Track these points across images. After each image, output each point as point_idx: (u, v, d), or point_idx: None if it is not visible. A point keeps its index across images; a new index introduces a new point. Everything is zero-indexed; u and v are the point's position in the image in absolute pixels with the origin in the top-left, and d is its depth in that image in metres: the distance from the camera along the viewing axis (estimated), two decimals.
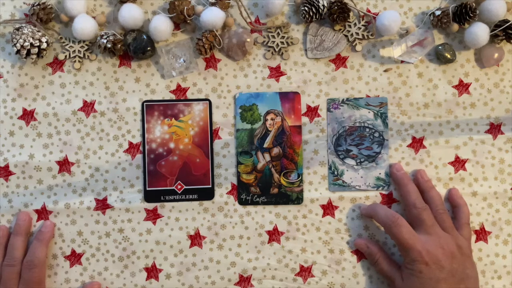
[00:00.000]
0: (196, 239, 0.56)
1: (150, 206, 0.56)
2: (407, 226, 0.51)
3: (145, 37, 0.54)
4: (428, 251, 0.50)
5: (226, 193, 0.56)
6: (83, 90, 0.55)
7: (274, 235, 0.56)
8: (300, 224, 0.56)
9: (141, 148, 0.56)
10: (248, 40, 0.55)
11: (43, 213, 0.55)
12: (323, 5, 0.54)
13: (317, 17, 0.54)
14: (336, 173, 0.56)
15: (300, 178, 0.56)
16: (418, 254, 0.50)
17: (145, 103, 0.55)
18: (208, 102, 0.56)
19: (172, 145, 0.55)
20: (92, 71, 0.56)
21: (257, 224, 0.56)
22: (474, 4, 0.54)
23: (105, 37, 0.53)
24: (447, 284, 0.49)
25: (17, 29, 0.53)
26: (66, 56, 0.55)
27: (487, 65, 0.56)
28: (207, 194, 0.56)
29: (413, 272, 0.50)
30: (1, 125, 0.55)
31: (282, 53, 0.56)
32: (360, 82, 0.56)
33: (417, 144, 0.56)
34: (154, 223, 0.55)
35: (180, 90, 0.56)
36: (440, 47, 0.56)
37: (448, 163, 0.56)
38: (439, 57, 0.56)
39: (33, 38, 0.52)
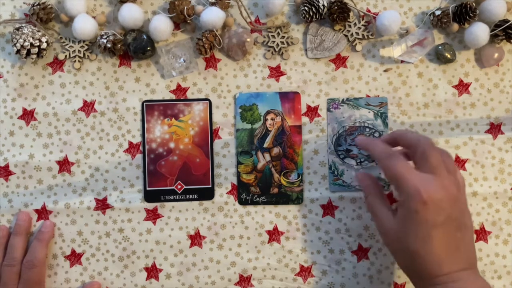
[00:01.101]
0: (196, 239, 0.56)
1: (150, 206, 0.56)
2: (404, 161, 0.46)
3: (145, 37, 0.54)
4: (427, 189, 0.43)
5: (226, 193, 0.56)
6: (83, 90, 0.55)
7: (274, 235, 0.56)
8: (300, 224, 0.56)
9: (141, 148, 0.56)
10: (248, 40, 0.55)
11: (43, 213, 0.55)
12: (323, 5, 0.54)
13: (317, 17, 0.54)
14: (336, 173, 0.56)
15: (300, 178, 0.56)
16: (416, 190, 0.43)
17: (145, 103, 0.56)
18: (208, 102, 0.56)
19: (172, 145, 0.56)
20: (92, 71, 0.56)
21: (257, 224, 0.56)
22: (474, 4, 0.54)
23: (105, 37, 0.53)
24: (444, 231, 0.44)
25: (17, 29, 0.53)
26: (66, 56, 0.55)
27: (487, 65, 0.56)
28: (207, 194, 0.56)
29: (407, 211, 0.44)
30: (1, 125, 0.55)
31: (282, 53, 0.56)
32: (360, 82, 0.56)
33: None
34: (154, 223, 0.55)
35: (180, 90, 0.56)
36: (440, 47, 0.56)
37: None
38: (439, 57, 0.56)
39: (33, 38, 0.52)
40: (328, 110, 0.56)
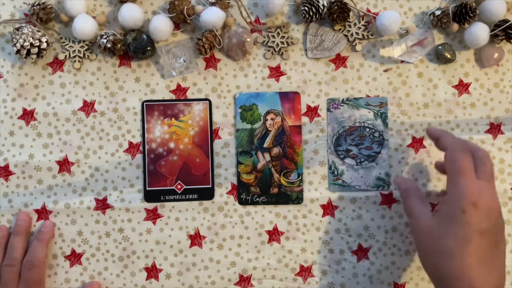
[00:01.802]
0: (196, 239, 0.56)
1: (150, 206, 0.56)
2: (471, 160, 0.45)
3: (145, 37, 0.54)
4: (481, 193, 0.42)
5: (226, 193, 0.56)
6: (83, 90, 0.55)
7: (274, 235, 0.56)
8: (300, 224, 0.56)
9: (141, 148, 0.56)
10: (248, 40, 0.55)
11: (43, 213, 0.55)
12: (323, 5, 0.54)
13: (317, 17, 0.54)
14: (336, 173, 0.56)
15: (300, 178, 0.56)
16: (470, 190, 0.42)
17: (145, 103, 0.56)
18: (208, 102, 0.56)
19: (172, 145, 0.56)
20: (92, 71, 0.56)
21: (257, 224, 0.56)
22: (474, 4, 0.54)
23: (105, 37, 0.53)
24: (483, 240, 0.42)
25: (17, 29, 0.53)
26: (66, 56, 0.55)
27: (487, 65, 0.56)
28: (207, 194, 0.56)
29: (453, 209, 0.43)
30: (1, 125, 0.55)
31: (282, 53, 0.56)
32: (360, 82, 0.56)
33: (417, 144, 0.56)
34: (154, 223, 0.55)
35: (180, 90, 0.56)
36: (440, 47, 0.56)
37: None
38: (439, 57, 0.56)
39: (33, 38, 0.52)
40: (328, 110, 0.56)
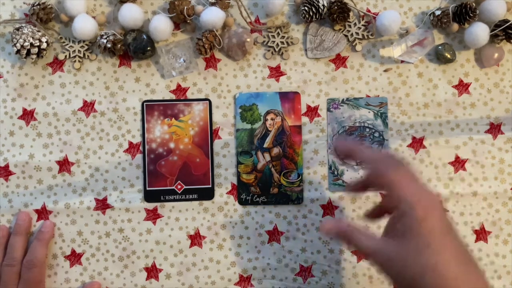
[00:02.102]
0: (196, 239, 0.56)
1: (150, 206, 0.56)
2: (396, 169, 0.41)
3: (145, 37, 0.54)
4: (428, 197, 0.40)
5: (226, 193, 0.56)
6: (83, 90, 0.55)
7: (274, 235, 0.56)
8: (300, 224, 0.56)
9: (141, 148, 0.56)
10: (248, 40, 0.55)
11: (43, 213, 0.55)
12: (323, 5, 0.54)
13: (317, 17, 0.54)
14: (336, 173, 0.56)
15: (300, 178, 0.56)
16: (415, 198, 0.39)
17: (145, 103, 0.56)
18: (208, 102, 0.56)
19: (172, 145, 0.56)
20: (92, 71, 0.56)
21: (257, 224, 0.56)
22: (474, 4, 0.54)
23: (105, 37, 0.53)
24: (452, 240, 0.39)
25: (17, 29, 0.53)
26: (66, 56, 0.55)
27: (487, 65, 0.56)
28: (207, 194, 0.56)
29: (411, 223, 0.39)
30: (1, 125, 0.55)
31: (282, 53, 0.56)
32: (360, 82, 0.56)
33: (417, 144, 0.56)
34: (154, 223, 0.55)
35: (180, 90, 0.56)
36: (440, 47, 0.56)
37: (448, 163, 0.56)
38: (439, 57, 0.56)
39: (33, 38, 0.52)
40: (328, 110, 0.56)
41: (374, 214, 0.48)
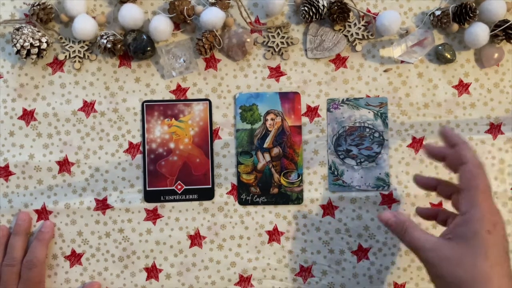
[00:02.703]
0: (196, 239, 0.56)
1: (150, 206, 0.56)
2: (487, 178, 0.43)
3: (145, 37, 0.54)
4: (497, 213, 0.41)
5: (226, 193, 0.56)
6: (83, 90, 0.55)
7: (274, 235, 0.56)
8: (300, 224, 0.56)
9: (141, 148, 0.56)
10: (248, 40, 0.55)
11: (43, 213, 0.55)
12: (323, 5, 0.54)
13: (317, 17, 0.54)
14: (336, 173, 0.56)
15: (300, 178, 0.56)
16: (490, 210, 0.41)
17: (145, 103, 0.56)
18: (208, 102, 0.56)
19: (172, 145, 0.56)
20: (92, 71, 0.56)
21: (257, 224, 0.56)
22: (474, 4, 0.54)
23: (105, 37, 0.53)
24: (509, 262, 0.40)
25: (17, 29, 0.53)
26: (66, 56, 0.55)
27: (487, 65, 0.56)
28: (207, 194, 0.56)
29: (477, 231, 0.40)
30: (1, 125, 0.55)
31: (282, 53, 0.56)
32: (360, 82, 0.56)
33: (417, 144, 0.56)
34: (154, 223, 0.55)
35: (180, 90, 0.56)
36: (440, 47, 0.56)
37: None
38: (439, 57, 0.56)
39: (33, 38, 0.52)
40: (328, 110, 0.56)
41: (429, 214, 0.50)
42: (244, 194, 0.56)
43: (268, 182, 0.56)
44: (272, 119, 0.56)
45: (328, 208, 0.56)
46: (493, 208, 0.42)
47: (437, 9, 0.56)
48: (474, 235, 0.40)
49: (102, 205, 0.55)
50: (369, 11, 0.56)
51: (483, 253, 0.40)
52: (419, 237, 0.43)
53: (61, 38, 0.55)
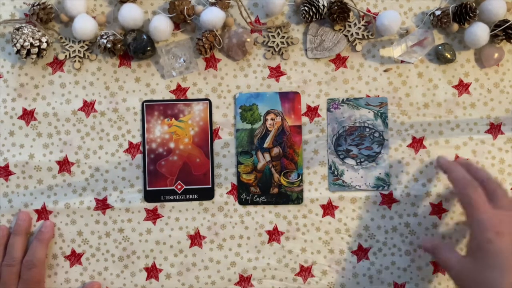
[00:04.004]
0: (196, 239, 0.56)
1: (150, 206, 0.56)
2: (482, 192, 0.47)
3: (145, 37, 0.54)
4: (502, 221, 0.44)
5: (226, 193, 0.56)
6: (83, 90, 0.55)
7: (274, 235, 0.56)
8: (300, 224, 0.56)
9: (141, 148, 0.56)
10: (248, 40, 0.55)
11: (43, 213, 0.55)
12: (323, 5, 0.54)
13: (317, 17, 0.54)
14: (336, 173, 0.56)
15: (300, 178, 0.56)
16: (489, 221, 0.44)
17: (145, 103, 0.56)
18: (208, 102, 0.56)
19: (172, 145, 0.56)
20: (92, 71, 0.56)
21: (257, 224, 0.56)
22: (474, 4, 0.54)
23: (105, 37, 0.53)
24: None
25: (17, 29, 0.53)
26: (66, 56, 0.55)
27: (487, 65, 0.56)
28: (207, 194, 0.56)
29: (480, 244, 0.44)
30: (1, 125, 0.55)
31: (282, 53, 0.56)
32: (360, 82, 0.56)
33: (417, 144, 0.56)
34: (154, 223, 0.55)
35: (180, 90, 0.56)
36: (440, 47, 0.56)
37: None
38: (439, 57, 0.56)
39: (33, 38, 0.52)
40: (328, 110, 0.56)
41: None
42: (244, 194, 0.56)
43: (268, 182, 0.56)
44: (272, 119, 0.56)
45: (328, 208, 0.56)
46: (494, 219, 0.44)
47: (437, 9, 0.56)
48: (477, 248, 0.44)
49: (102, 205, 0.55)
50: (369, 11, 0.56)
51: (488, 264, 0.43)
52: (446, 257, 0.48)
53: (61, 38, 0.55)
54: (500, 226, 0.44)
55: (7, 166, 0.55)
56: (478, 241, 0.44)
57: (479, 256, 0.44)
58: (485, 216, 0.45)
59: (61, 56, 0.55)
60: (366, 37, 0.56)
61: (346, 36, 0.56)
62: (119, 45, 0.53)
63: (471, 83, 0.57)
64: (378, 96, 0.56)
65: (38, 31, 0.53)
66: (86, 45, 0.55)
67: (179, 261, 0.56)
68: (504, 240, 0.43)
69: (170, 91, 0.56)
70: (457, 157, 0.56)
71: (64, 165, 0.55)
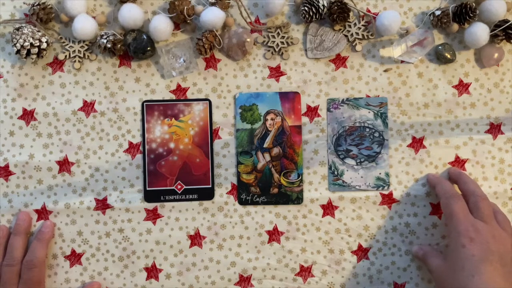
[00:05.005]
0: (196, 239, 0.56)
1: (150, 206, 0.56)
2: (464, 204, 0.50)
3: (145, 37, 0.54)
4: (477, 230, 0.48)
5: (226, 193, 0.56)
6: (83, 90, 0.55)
7: (274, 235, 0.56)
8: (300, 224, 0.56)
9: (141, 148, 0.56)
10: (248, 40, 0.55)
11: (43, 213, 0.55)
12: (323, 5, 0.54)
13: (317, 17, 0.54)
14: (336, 173, 0.56)
15: (300, 178, 0.56)
16: (465, 228, 0.48)
17: (145, 103, 0.56)
18: (208, 102, 0.56)
19: (172, 145, 0.56)
20: (92, 71, 0.56)
21: (257, 224, 0.56)
22: (474, 4, 0.54)
23: (105, 37, 0.53)
24: (492, 266, 0.46)
25: (17, 29, 0.53)
26: (66, 56, 0.55)
27: (487, 65, 0.56)
28: (207, 194, 0.56)
29: (455, 246, 0.48)
30: (1, 125, 0.55)
31: (282, 53, 0.56)
32: (360, 82, 0.56)
33: (417, 144, 0.56)
34: (154, 223, 0.56)
35: (180, 90, 0.56)
36: (440, 47, 0.56)
37: (448, 163, 0.56)
38: (439, 57, 0.56)
39: (33, 38, 0.52)
40: (328, 110, 0.56)
41: None
42: (244, 194, 0.56)
43: (268, 182, 0.56)
44: (272, 119, 0.56)
45: (328, 208, 0.56)
46: (470, 227, 0.48)
47: (437, 9, 0.56)
48: (451, 252, 0.49)
49: (102, 205, 0.55)
50: (369, 11, 0.56)
51: (457, 267, 0.47)
52: (430, 262, 0.52)
53: (61, 38, 0.55)
54: (475, 234, 0.47)
55: (7, 166, 0.55)
56: (453, 246, 0.48)
57: (453, 259, 0.48)
58: (463, 225, 0.48)
59: (61, 56, 0.55)
60: (366, 37, 0.56)
61: (346, 36, 0.56)
62: (119, 45, 0.53)
63: (471, 83, 0.57)
64: (378, 96, 0.56)
65: (38, 31, 0.53)
66: (86, 45, 0.55)
67: (179, 261, 0.56)
68: (476, 247, 0.47)
69: (170, 91, 0.56)
70: (457, 157, 0.56)
71: (64, 165, 0.55)
